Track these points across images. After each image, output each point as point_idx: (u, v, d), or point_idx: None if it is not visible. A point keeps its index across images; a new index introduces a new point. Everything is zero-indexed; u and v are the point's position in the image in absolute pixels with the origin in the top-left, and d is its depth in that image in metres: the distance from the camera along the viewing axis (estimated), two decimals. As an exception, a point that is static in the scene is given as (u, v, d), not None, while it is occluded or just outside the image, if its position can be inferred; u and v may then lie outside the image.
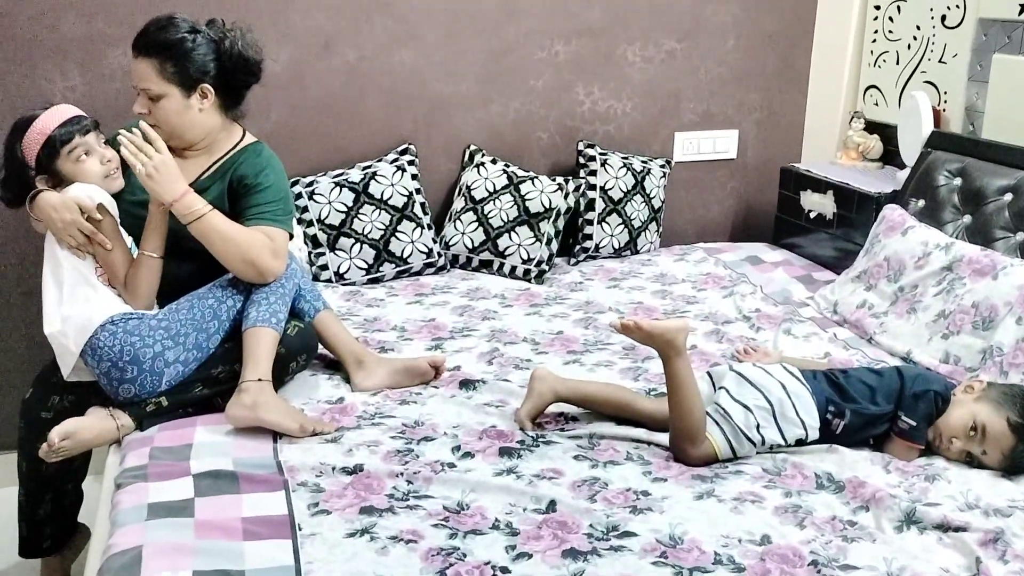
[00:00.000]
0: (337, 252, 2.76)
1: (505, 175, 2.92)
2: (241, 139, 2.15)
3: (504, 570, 1.44)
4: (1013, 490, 1.71)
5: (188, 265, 2.04)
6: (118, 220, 2.00)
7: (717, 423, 1.79)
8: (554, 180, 2.92)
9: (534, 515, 1.59)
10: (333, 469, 1.72)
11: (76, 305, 1.91)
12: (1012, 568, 1.47)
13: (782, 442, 1.81)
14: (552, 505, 1.61)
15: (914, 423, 1.83)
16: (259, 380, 1.89)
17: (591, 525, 1.56)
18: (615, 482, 1.70)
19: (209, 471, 1.69)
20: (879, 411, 1.85)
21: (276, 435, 1.85)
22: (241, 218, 2.03)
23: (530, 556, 1.48)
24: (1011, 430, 1.76)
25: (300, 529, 1.53)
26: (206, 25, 2.04)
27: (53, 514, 2.17)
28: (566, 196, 2.89)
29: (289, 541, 1.50)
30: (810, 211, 3.02)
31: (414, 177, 2.87)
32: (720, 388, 1.85)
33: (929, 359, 2.21)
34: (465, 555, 1.48)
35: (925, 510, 1.60)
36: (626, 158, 3.07)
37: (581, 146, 3.06)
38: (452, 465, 1.75)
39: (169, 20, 2.01)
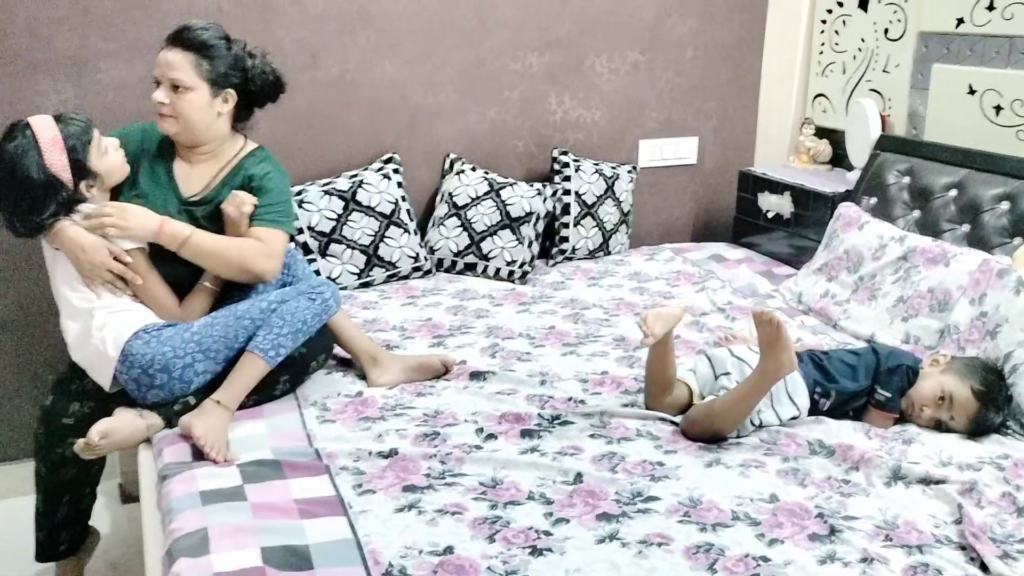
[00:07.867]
0: (328, 258, 2.86)
1: (486, 182, 3.06)
2: (244, 145, 2.26)
3: (547, 533, 1.58)
4: (979, 449, 1.93)
5: (194, 267, 2.13)
6: (146, 252, 2.08)
7: None
8: (532, 186, 3.07)
9: (564, 486, 1.73)
10: (369, 454, 1.83)
11: (109, 314, 1.99)
12: (988, 512, 1.69)
13: (777, 423, 1.98)
14: (579, 477, 1.76)
15: (889, 395, 2.04)
16: (217, 403, 1.92)
17: (617, 492, 1.71)
18: (631, 455, 1.86)
19: (252, 460, 1.79)
20: (859, 387, 2.05)
21: (305, 425, 1.95)
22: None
23: (568, 521, 1.62)
24: (975, 397, 1.98)
25: (351, 507, 1.64)
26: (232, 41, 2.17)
27: (70, 517, 2.22)
28: (545, 201, 3.05)
29: (343, 518, 1.60)
30: (768, 211, 3.24)
31: (399, 185, 2.99)
32: (725, 374, 2.01)
33: (892, 340, 2.43)
34: (509, 522, 1.61)
35: (909, 467, 1.80)
36: (597, 164, 3.24)
37: (556, 153, 3.22)
38: (479, 447, 1.88)
39: (207, 24, 2.13)
